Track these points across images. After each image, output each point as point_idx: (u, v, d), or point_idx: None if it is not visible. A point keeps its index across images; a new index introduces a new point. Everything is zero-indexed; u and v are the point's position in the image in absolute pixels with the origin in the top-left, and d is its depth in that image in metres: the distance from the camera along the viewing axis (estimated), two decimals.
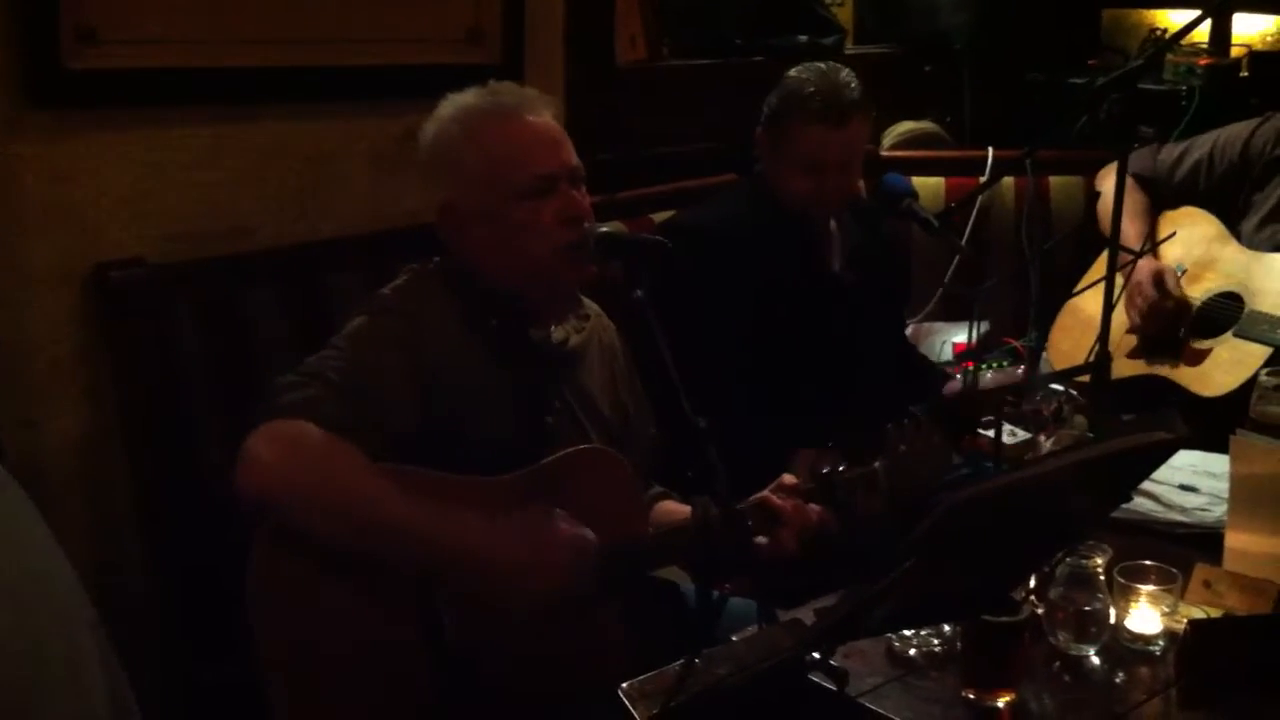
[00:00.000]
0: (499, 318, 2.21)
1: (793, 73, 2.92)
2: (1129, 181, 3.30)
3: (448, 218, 2.24)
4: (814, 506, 2.18)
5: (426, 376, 2.09)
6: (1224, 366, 3.06)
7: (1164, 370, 3.20)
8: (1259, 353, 2.99)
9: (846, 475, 2.20)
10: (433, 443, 2.06)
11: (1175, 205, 3.45)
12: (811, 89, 2.83)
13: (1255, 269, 3.16)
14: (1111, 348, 2.57)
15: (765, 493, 2.17)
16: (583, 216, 2.19)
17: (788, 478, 2.20)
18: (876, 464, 2.21)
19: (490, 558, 1.97)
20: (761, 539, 2.13)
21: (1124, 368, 3.20)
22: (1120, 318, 3.14)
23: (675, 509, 2.34)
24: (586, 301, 2.44)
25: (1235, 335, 3.08)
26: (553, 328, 2.30)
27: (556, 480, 2.11)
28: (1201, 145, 3.44)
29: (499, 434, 2.14)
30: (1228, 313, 3.13)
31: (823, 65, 2.93)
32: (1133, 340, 3.27)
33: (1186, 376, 3.14)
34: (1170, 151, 3.50)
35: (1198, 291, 3.23)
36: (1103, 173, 3.56)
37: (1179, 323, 3.20)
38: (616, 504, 2.17)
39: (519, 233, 2.17)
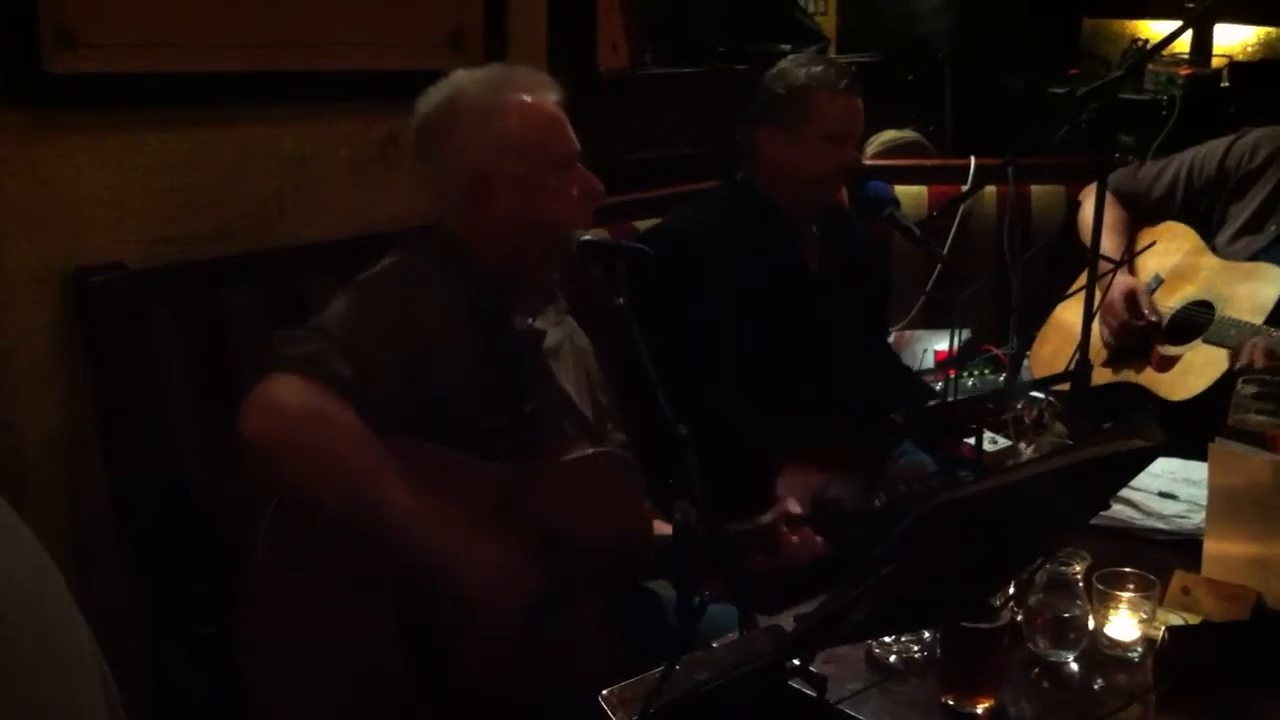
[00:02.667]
0: (486, 300, 2.23)
1: (786, 64, 2.99)
2: (1109, 197, 3.34)
3: (474, 188, 2.23)
4: (815, 539, 2.22)
5: (419, 347, 2.10)
6: (1193, 371, 3.10)
7: (1137, 377, 3.24)
8: (1226, 357, 3.03)
9: (848, 509, 2.22)
10: (418, 415, 2.07)
11: (1154, 221, 3.48)
12: (819, 67, 2.94)
13: (1227, 277, 3.21)
14: (1089, 356, 2.58)
15: (769, 519, 2.21)
16: (599, 195, 2.26)
17: (791, 505, 2.23)
18: (876, 501, 2.22)
19: (467, 573, 1.98)
20: (760, 557, 2.18)
21: (1099, 375, 3.23)
22: (1098, 326, 3.17)
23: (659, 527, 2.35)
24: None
25: (1205, 341, 3.12)
26: (532, 319, 2.32)
27: (566, 480, 2.14)
28: (1179, 161, 3.49)
29: (481, 415, 2.16)
30: (1199, 320, 3.18)
31: (804, 55, 3.05)
32: (1107, 350, 3.30)
33: (1158, 382, 3.18)
34: (1149, 169, 3.55)
35: (1173, 300, 3.27)
36: (1086, 190, 3.58)
37: (1151, 335, 3.24)
38: (622, 511, 2.18)
39: (551, 200, 2.22)
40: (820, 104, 2.91)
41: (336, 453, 1.95)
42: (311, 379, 1.96)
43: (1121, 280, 3.24)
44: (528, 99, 2.26)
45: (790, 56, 3.04)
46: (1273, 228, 3.22)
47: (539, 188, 2.22)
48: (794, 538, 2.20)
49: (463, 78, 2.30)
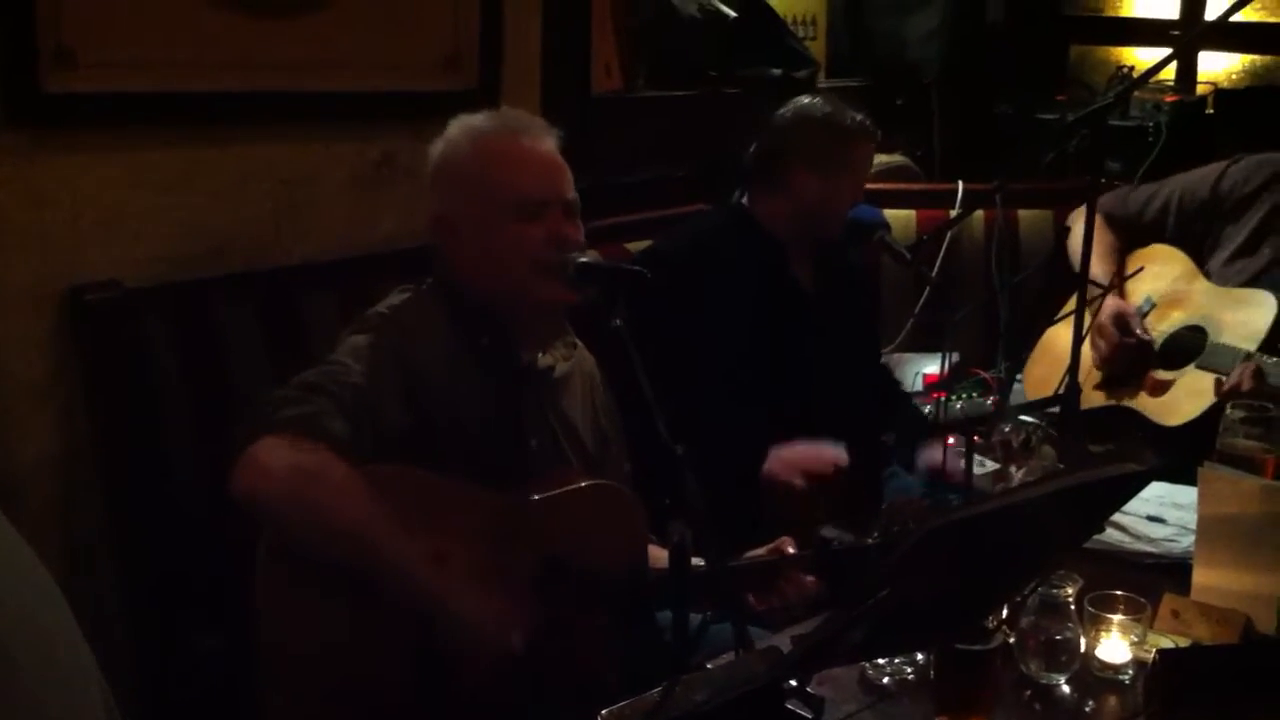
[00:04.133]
0: (489, 338, 2.23)
1: (821, 109, 3.04)
2: (1099, 221, 3.38)
3: (439, 229, 2.26)
4: (807, 578, 2.22)
5: (418, 392, 2.11)
6: (1186, 396, 3.11)
7: (1130, 401, 3.24)
8: (1215, 382, 3.04)
9: (843, 547, 2.24)
10: (422, 451, 2.07)
11: (1145, 244, 3.50)
12: (859, 115, 3.01)
13: (1220, 302, 3.21)
14: (1080, 379, 2.60)
15: (764, 554, 2.22)
16: (568, 245, 2.20)
17: (786, 543, 2.24)
18: (871, 540, 2.24)
19: (458, 621, 1.99)
20: (750, 598, 2.18)
21: (1092, 398, 3.24)
22: (1089, 349, 3.18)
23: (656, 554, 2.35)
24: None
25: (1198, 366, 3.13)
26: (541, 353, 2.32)
27: (566, 510, 2.14)
28: (1172, 185, 3.51)
29: (483, 453, 2.16)
30: (1192, 344, 3.18)
31: (831, 99, 3.10)
32: (1100, 372, 3.31)
33: (1151, 406, 3.18)
34: (1140, 193, 3.56)
35: (1165, 325, 3.28)
36: (1073, 214, 3.61)
37: (1143, 358, 3.25)
38: (621, 542, 2.18)
39: (499, 248, 2.19)
40: (858, 150, 3.01)
41: (325, 514, 1.95)
42: (302, 439, 1.96)
43: (1111, 303, 3.25)
44: (497, 142, 2.25)
45: (818, 100, 3.09)
46: (1267, 250, 3.23)
47: (487, 236, 2.20)
48: (789, 584, 2.21)
49: (454, 127, 2.29)
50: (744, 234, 2.98)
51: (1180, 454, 2.34)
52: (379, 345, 2.13)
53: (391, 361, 2.11)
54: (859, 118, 3.01)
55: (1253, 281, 3.21)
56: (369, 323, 2.19)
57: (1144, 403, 3.21)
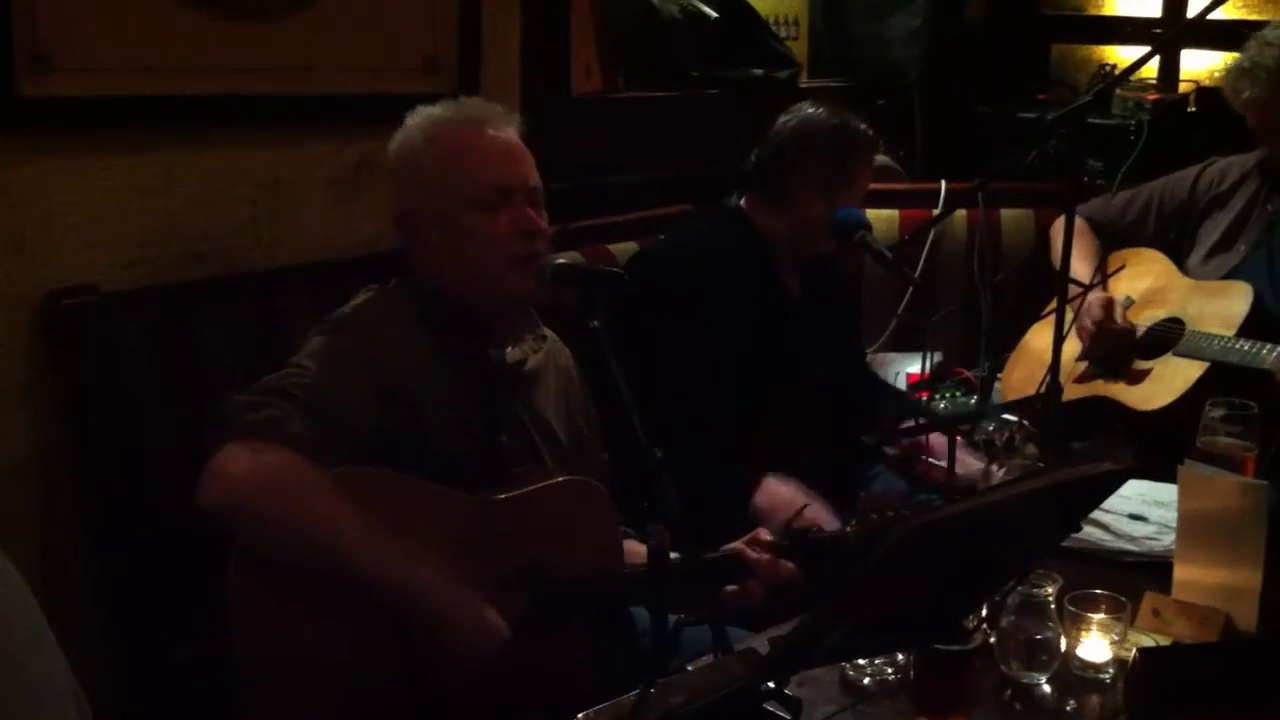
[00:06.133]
0: (459, 335, 2.22)
1: (828, 122, 3.01)
2: (1082, 225, 3.41)
3: (405, 225, 2.27)
4: (786, 563, 2.21)
5: (386, 392, 2.10)
6: (1162, 383, 3.13)
7: (1108, 390, 3.26)
8: (1195, 369, 3.07)
9: (819, 536, 2.23)
10: (392, 450, 2.06)
11: (1125, 246, 3.53)
12: (860, 124, 3.01)
13: (1197, 296, 3.26)
14: (1062, 374, 2.60)
15: (740, 545, 2.20)
16: (536, 232, 2.21)
17: (762, 532, 2.24)
18: (848, 528, 2.23)
19: (438, 611, 1.98)
20: (731, 587, 2.17)
21: (1073, 391, 3.26)
22: (1070, 346, 3.20)
23: (634, 548, 2.35)
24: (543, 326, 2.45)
25: (1175, 354, 3.15)
26: (510, 348, 2.31)
27: (538, 508, 2.13)
28: (1151, 188, 3.57)
29: (454, 450, 2.15)
30: (1170, 335, 3.21)
31: (827, 109, 3.07)
32: (1081, 365, 3.33)
33: (1128, 395, 3.20)
34: (1122, 196, 3.63)
35: (1144, 319, 3.30)
36: (1057, 223, 3.63)
37: (1125, 347, 3.27)
38: (594, 537, 2.18)
39: (470, 241, 2.19)
40: (866, 165, 3.03)
41: (294, 518, 1.94)
42: (265, 443, 1.95)
43: (1095, 294, 3.27)
44: (456, 133, 2.25)
45: (823, 113, 3.04)
46: (1242, 246, 3.27)
47: (455, 227, 2.20)
48: (763, 560, 2.19)
49: (412, 118, 2.30)
50: (740, 239, 2.98)
51: (1155, 440, 2.34)
52: (340, 346, 2.12)
53: (355, 361, 2.10)
54: (863, 128, 3.00)
55: (1230, 276, 3.24)
56: (331, 324, 2.18)
57: (1121, 391, 3.22)
